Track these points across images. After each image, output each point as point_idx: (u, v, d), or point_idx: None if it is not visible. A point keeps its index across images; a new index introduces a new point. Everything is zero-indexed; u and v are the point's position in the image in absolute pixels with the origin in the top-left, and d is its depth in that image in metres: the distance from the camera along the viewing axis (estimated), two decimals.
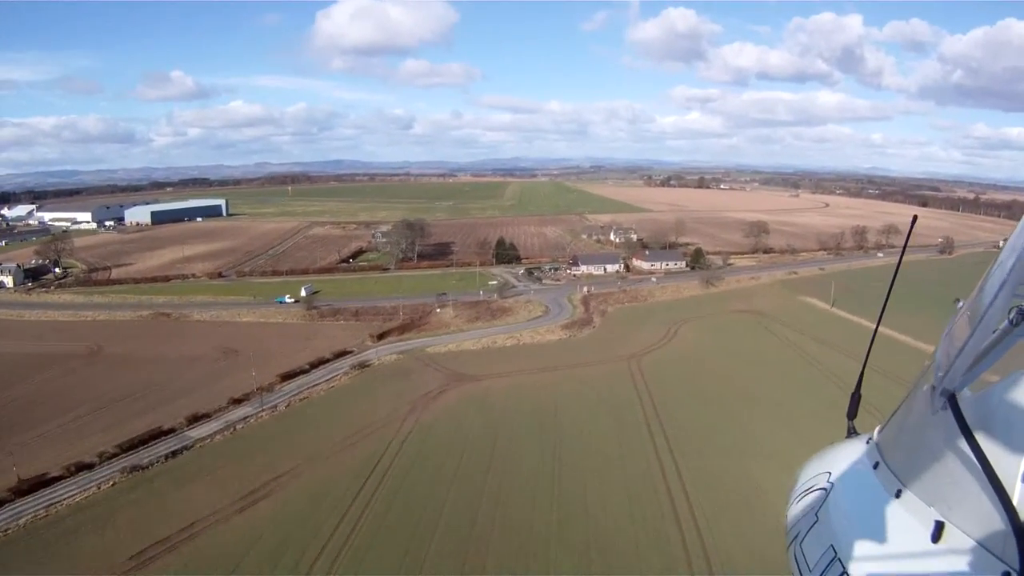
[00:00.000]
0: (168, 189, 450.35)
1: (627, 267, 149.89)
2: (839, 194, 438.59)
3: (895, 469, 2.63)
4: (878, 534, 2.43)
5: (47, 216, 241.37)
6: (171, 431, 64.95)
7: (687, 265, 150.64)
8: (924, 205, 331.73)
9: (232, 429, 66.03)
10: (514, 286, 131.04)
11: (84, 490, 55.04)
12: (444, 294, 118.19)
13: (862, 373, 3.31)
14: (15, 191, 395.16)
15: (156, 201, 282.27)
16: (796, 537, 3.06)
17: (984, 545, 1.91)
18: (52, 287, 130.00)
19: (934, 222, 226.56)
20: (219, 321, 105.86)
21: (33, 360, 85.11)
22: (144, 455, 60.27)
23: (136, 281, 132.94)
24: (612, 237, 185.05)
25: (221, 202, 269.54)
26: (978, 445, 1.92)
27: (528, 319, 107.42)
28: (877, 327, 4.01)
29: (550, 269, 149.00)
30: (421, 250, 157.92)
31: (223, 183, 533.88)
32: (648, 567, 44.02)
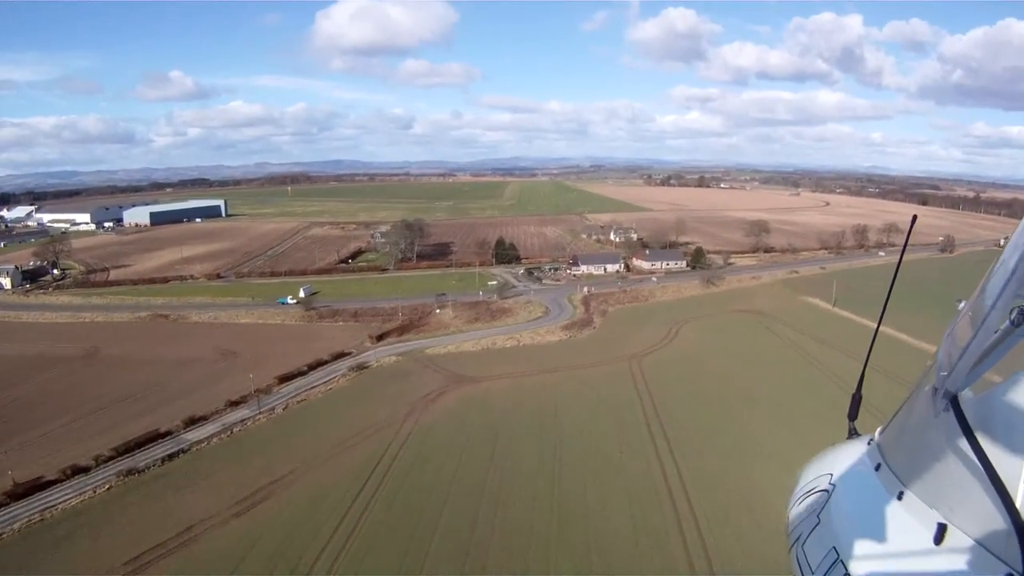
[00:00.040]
0: (168, 190, 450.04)
1: (627, 267, 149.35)
2: (839, 193, 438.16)
3: (897, 470, 2.61)
4: (880, 536, 2.42)
5: (46, 217, 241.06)
6: (168, 434, 64.41)
7: (688, 265, 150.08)
8: (924, 204, 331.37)
9: (229, 432, 65.48)
10: (514, 286, 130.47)
11: (80, 494, 54.51)
12: (443, 295, 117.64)
13: (863, 374, 3.27)
14: (15, 192, 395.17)
15: (155, 202, 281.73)
16: (798, 539, 3.03)
17: (987, 547, 1.91)
18: (50, 289, 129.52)
19: (934, 220, 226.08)
20: (217, 322, 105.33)
21: (30, 362, 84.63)
22: (140, 458, 59.73)
23: (134, 282, 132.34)
24: (612, 237, 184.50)
25: (220, 203, 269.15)
26: (980, 446, 1.92)
27: (528, 320, 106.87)
28: (878, 327, 3.91)
29: (550, 269, 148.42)
30: (420, 250, 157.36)
31: (223, 183, 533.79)
32: (649, 568, 43.63)
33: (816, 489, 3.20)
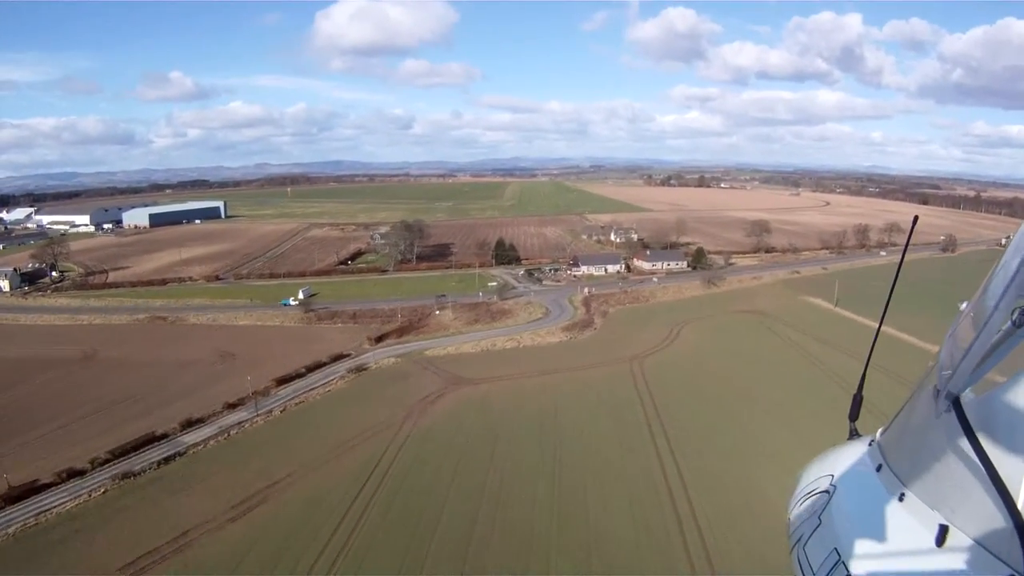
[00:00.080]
0: (167, 191, 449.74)
1: (628, 267, 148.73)
2: (840, 192, 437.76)
3: (898, 471, 2.62)
4: (882, 537, 2.42)
5: (45, 219, 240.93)
6: (164, 436, 63.83)
7: (688, 265, 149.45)
8: (925, 203, 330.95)
9: (226, 434, 64.87)
10: (514, 287, 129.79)
11: (75, 498, 53.94)
12: (443, 296, 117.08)
13: (864, 374, 3.27)
14: (14, 194, 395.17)
15: (155, 203, 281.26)
16: (799, 540, 3.04)
17: (988, 548, 1.91)
18: (48, 291, 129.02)
19: (935, 220, 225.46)
20: (216, 324, 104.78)
21: (28, 364, 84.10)
22: (136, 461, 59.14)
23: (133, 284, 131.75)
24: (612, 237, 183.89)
25: (219, 204, 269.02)
26: (982, 447, 1.92)
27: (528, 321, 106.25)
28: (879, 328, 3.84)
29: (550, 270, 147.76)
30: (420, 251, 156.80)
31: (223, 184, 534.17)
32: (649, 569, 43.32)
33: (817, 490, 3.18)
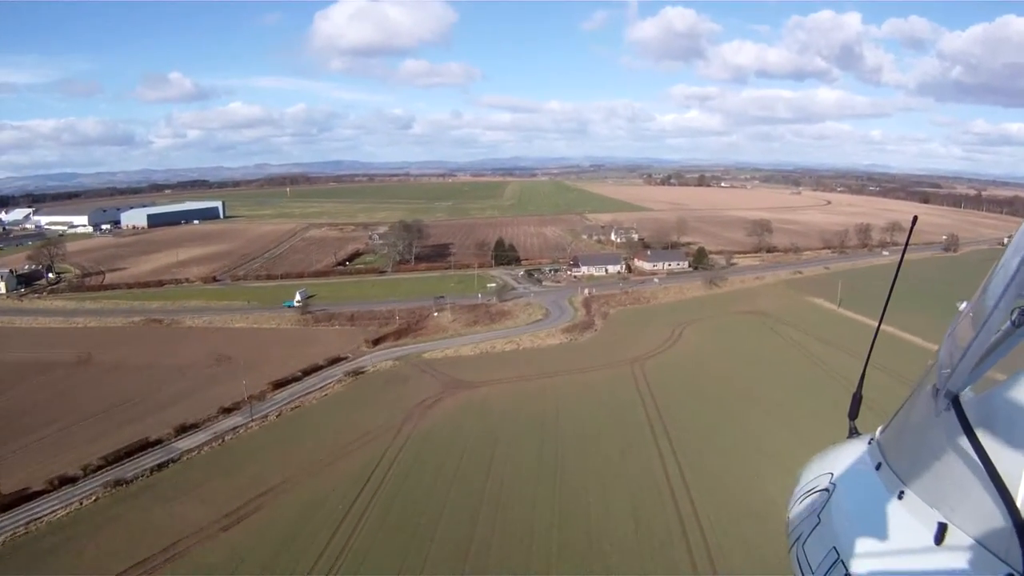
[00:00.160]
0: (167, 191, 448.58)
1: (629, 268, 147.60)
2: (840, 191, 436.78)
3: (897, 470, 2.63)
4: (881, 535, 2.43)
5: (44, 220, 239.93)
6: (158, 442, 62.72)
7: (690, 265, 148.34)
8: (926, 202, 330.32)
9: (221, 440, 63.76)
10: (513, 288, 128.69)
11: (66, 506, 52.86)
12: (442, 297, 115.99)
13: (863, 373, 3.30)
14: (14, 195, 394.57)
15: (153, 204, 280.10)
16: (798, 539, 3.05)
17: (987, 546, 1.92)
18: (44, 293, 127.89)
19: (936, 219, 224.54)
20: (212, 327, 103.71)
21: (22, 368, 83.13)
22: (129, 468, 58.03)
23: (129, 286, 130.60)
24: (613, 237, 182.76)
25: (218, 204, 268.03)
26: (981, 446, 1.93)
27: (528, 323, 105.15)
28: (879, 327, 3.91)
29: (550, 270, 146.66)
30: (419, 252, 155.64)
31: (222, 185, 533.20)
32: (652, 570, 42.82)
33: (816, 488, 3.18)
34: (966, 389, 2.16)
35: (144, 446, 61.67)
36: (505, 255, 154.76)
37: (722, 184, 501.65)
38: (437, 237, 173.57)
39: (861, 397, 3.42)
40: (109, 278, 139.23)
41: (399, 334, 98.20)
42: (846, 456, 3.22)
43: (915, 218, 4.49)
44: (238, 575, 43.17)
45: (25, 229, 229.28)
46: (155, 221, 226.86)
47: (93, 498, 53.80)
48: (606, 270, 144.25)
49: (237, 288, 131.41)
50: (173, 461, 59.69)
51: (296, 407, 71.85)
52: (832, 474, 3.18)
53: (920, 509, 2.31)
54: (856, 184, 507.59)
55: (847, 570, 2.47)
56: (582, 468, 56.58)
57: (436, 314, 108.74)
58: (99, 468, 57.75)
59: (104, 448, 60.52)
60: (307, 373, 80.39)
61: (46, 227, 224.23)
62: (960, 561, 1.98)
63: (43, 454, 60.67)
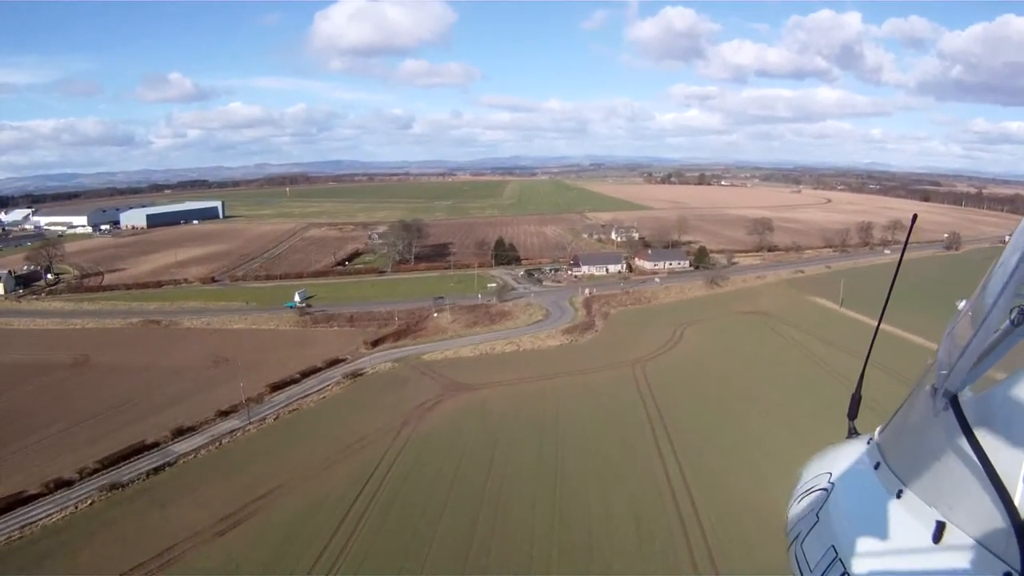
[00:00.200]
0: (167, 191, 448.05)
1: (629, 267, 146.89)
2: (840, 190, 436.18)
3: (896, 469, 2.64)
4: (879, 534, 2.44)
5: (43, 220, 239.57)
6: (155, 445, 62.13)
7: (691, 264, 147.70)
8: (926, 200, 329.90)
9: (218, 443, 63.12)
10: (514, 288, 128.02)
11: (61, 509, 52.32)
12: (441, 298, 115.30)
13: (862, 373, 3.31)
14: (14, 195, 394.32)
15: (153, 204, 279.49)
16: (797, 537, 3.08)
17: (985, 545, 1.93)
18: (43, 294, 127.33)
19: (937, 217, 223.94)
20: (210, 328, 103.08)
21: (19, 370, 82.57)
22: (125, 472, 57.44)
23: (128, 287, 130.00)
24: (613, 236, 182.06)
25: (217, 204, 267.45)
26: (980, 445, 1.94)
27: (528, 323, 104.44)
28: (878, 327, 3.87)
29: (550, 270, 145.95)
30: (419, 251, 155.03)
31: (222, 185, 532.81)
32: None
33: (815, 488, 3.20)
34: (965, 389, 2.17)
35: (140, 449, 61.06)
36: (505, 255, 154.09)
37: (722, 183, 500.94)
38: (437, 237, 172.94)
39: (860, 397, 3.41)
40: (108, 279, 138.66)
41: (398, 335, 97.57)
42: (845, 456, 3.22)
43: (915, 216, 4.58)
44: None
45: (24, 230, 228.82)
46: (154, 221, 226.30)
47: (89, 502, 53.28)
48: (607, 270, 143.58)
49: (236, 289, 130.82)
50: (169, 465, 59.09)
51: (294, 410, 71.19)
52: (831, 473, 3.17)
53: (918, 508, 2.32)
54: (856, 182, 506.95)
55: (845, 568, 2.48)
56: (582, 470, 56.02)
57: (436, 315, 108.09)
58: (95, 471, 57.21)
59: (101, 451, 60.01)
60: (305, 375, 79.73)
61: (45, 228, 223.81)
62: (958, 560, 1.99)
63: (40, 456, 60.16)
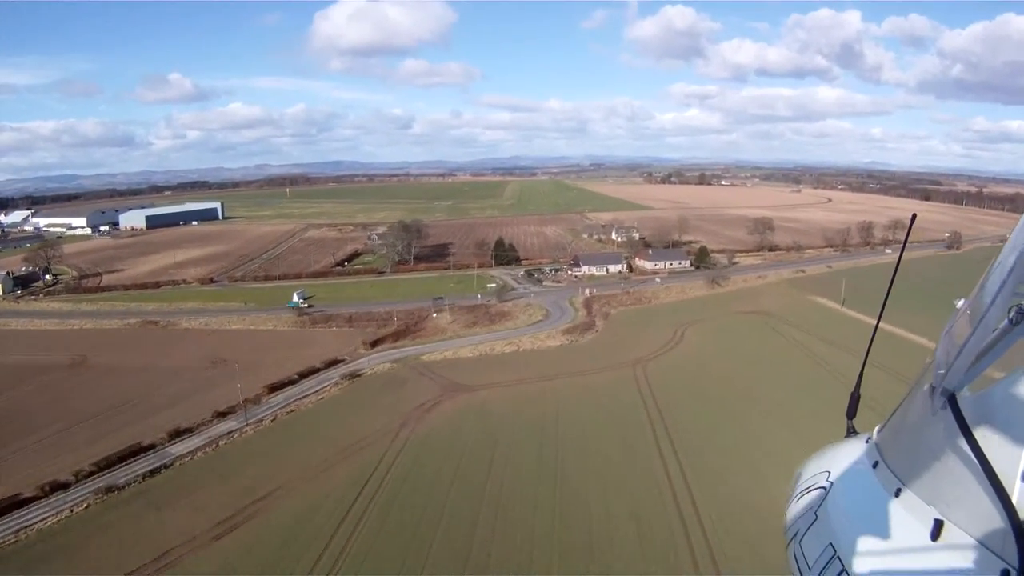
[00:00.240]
0: (167, 193, 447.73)
1: (630, 267, 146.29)
2: (841, 189, 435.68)
3: (894, 468, 2.66)
4: (877, 532, 2.45)
5: (42, 222, 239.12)
6: (152, 447, 61.61)
7: (692, 264, 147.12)
8: (927, 199, 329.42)
9: (215, 445, 62.57)
10: (513, 288, 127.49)
11: (57, 513, 51.82)
12: (440, 298, 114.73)
13: (861, 373, 3.33)
14: (14, 196, 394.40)
15: (152, 205, 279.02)
16: (795, 536, 3.09)
17: (983, 543, 1.93)
18: (41, 295, 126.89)
19: (938, 216, 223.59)
20: (208, 329, 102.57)
21: (17, 371, 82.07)
22: (121, 474, 56.92)
23: (126, 288, 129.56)
24: (614, 236, 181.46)
25: (216, 205, 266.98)
26: (977, 444, 1.94)
27: (528, 324, 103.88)
28: (876, 326, 3.93)
29: (550, 270, 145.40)
30: (418, 252, 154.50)
31: (222, 185, 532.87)
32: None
33: (814, 486, 3.21)
34: (963, 388, 2.17)
35: (137, 451, 60.56)
36: (505, 255, 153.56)
37: (722, 182, 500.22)
38: (436, 237, 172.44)
39: (859, 396, 3.40)
40: (106, 280, 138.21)
41: (397, 336, 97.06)
42: (844, 454, 3.22)
43: (914, 216, 4.53)
44: None
45: (24, 231, 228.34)
46: (153, 222, 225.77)
47: (84, 505, 52.78)
48: (607, 270, 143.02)
49: (234, 289, 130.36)
50: (166, 467, 58.56)
51: (292, 411, 70.64)
52: (830, 472, 3.18)
53: (916, 506, 2.32)
54: (856, 182, 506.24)
55: (843, 566, 2.49)
56: (583, 470, 55.57)
57: (435, 315, 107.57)
58: (91, 474, 56.71)
59: (97, 453, 59.52)
60: (304, 376, 79.21)
61: (44, 229, 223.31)
62: (956, 558, 1.99)
63: (37, 459, 59.67)
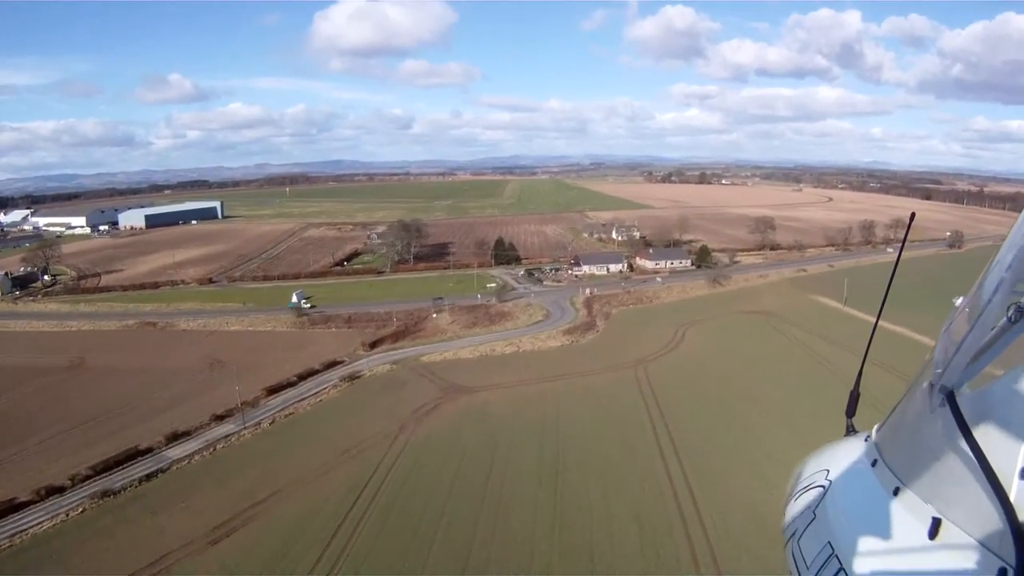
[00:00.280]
0: (167, 192, 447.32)
1: (631, 267, 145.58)
2: (841, 188, 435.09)
3: (893, 466, 2.65)
4: (876, 531, 2.45)
5: (42, 221, 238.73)
6: (149, 451, 61.02)
7: (693, 264, 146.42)
8: (928, 198, 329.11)
9: (212, 449, 61.92)
10: (514, 288, 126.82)
11: (52, 517, 51.26)
12: (440, 298, 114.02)
13: (860, 371, 3.31)
14: (14, 196, 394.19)
15: (152, 204, 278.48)
16: (794, 534, 3.09)
17: (981, 541, 1.93)
18: (39, 295, 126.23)
19: (938, 215, 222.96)
20: (206, 330, 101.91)
21: (14, 373, 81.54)
22: (117, 478, 56.35)
23: (124, 288, 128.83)
24: (614, 235, 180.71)
25: (216, 204, 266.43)
26: (976, 442, 1.94)
27: (528, 324, 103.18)
28: (876, 324, 3.87)
29: (551, 270, 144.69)
30: (418, 251, 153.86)
31: (222, 185, 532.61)
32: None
33: (813, 485, 3.20)
34: (962, 386, 2.18)
35: (134, 455, 59.98)
36: (505, 254, 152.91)
37: (723, 182, 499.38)
38: (436, 236, 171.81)
39: (858, 395, 3.38)
40: (105, 280, 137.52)
41: (397, 336, 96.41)
42: (842, 453, 3.22)
43: (912, 215, 4.46)
44: None
45: (23, 231, 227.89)
46: (153, 222, 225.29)
47: (80, 509, 52.19)
48: (608, 269, 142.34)
49: (233, 289, 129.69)
50: (163, 471, 57.94)
51: (290, 414, 69.93)
52: (828, 471, 3.18)
53: (915, 504, 2.33)
54: (857, 181, 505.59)
55: (841, 565, 2.49)
56: (584, 472, 55.02)
57: (435, 316, 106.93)
58: (87, 478, 56.17)
59: (94, 456, 58.98)
60: (302, 378, 78.49)
61: (44, 228, 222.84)
62: (954, 556, 2.00)
63: (32, 462, 59.17)
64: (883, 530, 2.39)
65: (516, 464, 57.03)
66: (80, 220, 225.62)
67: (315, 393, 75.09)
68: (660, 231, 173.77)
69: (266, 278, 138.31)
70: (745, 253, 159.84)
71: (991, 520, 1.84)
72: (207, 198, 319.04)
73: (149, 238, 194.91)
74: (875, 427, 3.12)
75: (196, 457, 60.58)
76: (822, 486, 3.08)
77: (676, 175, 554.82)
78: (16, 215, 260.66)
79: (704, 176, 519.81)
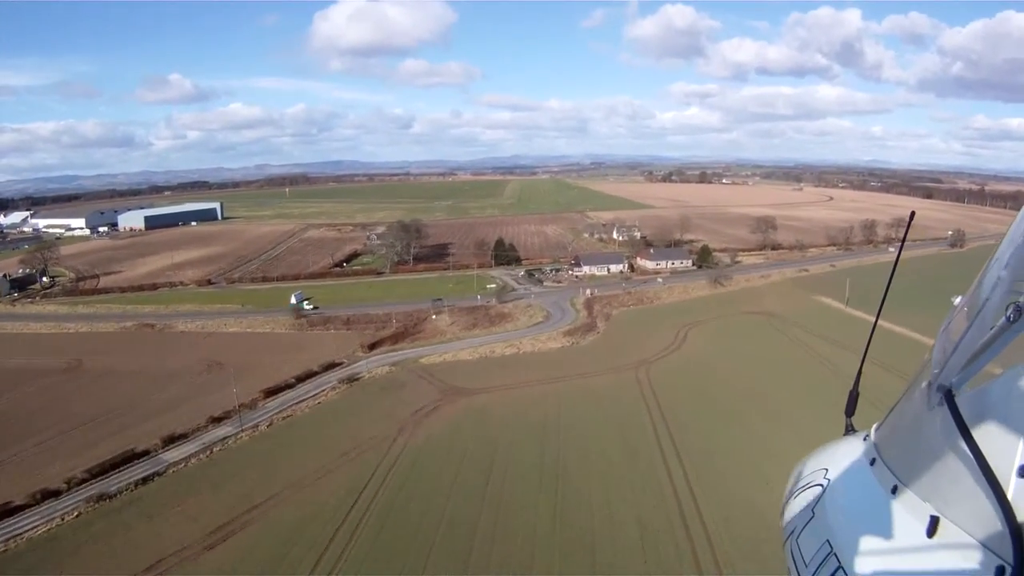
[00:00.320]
0: (166, 193, 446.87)
1: (631, 267, 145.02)
2: (842, 187, 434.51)
3: (892, 465, 2.66)
4: (874, 529, 2.46)
5: (41, 223, 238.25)
6: (145, 453, 60.57)
7: (694, 264, 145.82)
8: (929, 197, 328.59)
9: (209, 452, 61.40)
10: (514, 289, 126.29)
11: (48, 521, 50.83)
12: (440, 299, 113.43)
13: (860, 370, 3.32)
14: (14, 197, 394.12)
15: (151, 205, 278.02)
16: (792, 533, 3.11)
17: (979, 540, 1.93)
18: (37, 297, 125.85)
19: (939, 214, 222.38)
20: (204, 332, 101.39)
21: (12, 375, 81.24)
22: (113, 482, 55.87)
23: (123, 290, 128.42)
24: (615, 235, 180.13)
25: (215, 205, 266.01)
26: (974, 441, 1.94)
27: (528, 325, 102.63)
28: (875, 324, 3.85)
29: (551, 270, 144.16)
30: (418, 252, 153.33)
31: (222, 186, 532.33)
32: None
33: (812, 484, 3.24)
34: (960, 385, 2.18)
35: (130, 458, 59.54)
36: (505, 255, 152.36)
37: (723, 181, 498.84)
38: (436, 237, 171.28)
39: (858, 394, 3.38)
40: (103, 281, 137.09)
41: (396, 338, 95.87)
42: (841, 452, 3.24)
43: (912, 213, 4.47)
44: None
45: (23, 232, 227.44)
46: (152, 223, 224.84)
47: (75, 513, 51.73)
48: (608, 269, 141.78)
49: (232, 291, 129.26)
50: (159, 474, 57.43)
51: (288, 416, 69.38)
52: (827, 470, 3.20)
53: (913, 503, 2.33)
54: (857, 180, 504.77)
55: (840, 563, 2.50)
56: (585, 474, 54.63)
57: (434, 317, 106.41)
58: (83, 481, 55.74)
59: (91, 459, 58.57)
60: (300, 380, 77.97)
61: (43, 230, 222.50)
62: (952, 554, 2.00)
63: (29, 465, 58.82)
64: (881, 528, 2.39)
65: (516, 466, 56.55)
66: (80, 221, 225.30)
67: (314, 395, 74.61)
68: (661, 231, 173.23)
69: (265, 279, 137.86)
70: (746, 253, 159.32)
71: (989, 518, 1.84)
72: (207, 199, 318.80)
73: (148, 239, 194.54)
74: (874, 426, 3.10)
75: (193, 460, 60.09)
76: (821, 485, 3.10)
77: (676, 174, 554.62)
78: (16, 217, 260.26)
79: (704, 175, 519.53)
